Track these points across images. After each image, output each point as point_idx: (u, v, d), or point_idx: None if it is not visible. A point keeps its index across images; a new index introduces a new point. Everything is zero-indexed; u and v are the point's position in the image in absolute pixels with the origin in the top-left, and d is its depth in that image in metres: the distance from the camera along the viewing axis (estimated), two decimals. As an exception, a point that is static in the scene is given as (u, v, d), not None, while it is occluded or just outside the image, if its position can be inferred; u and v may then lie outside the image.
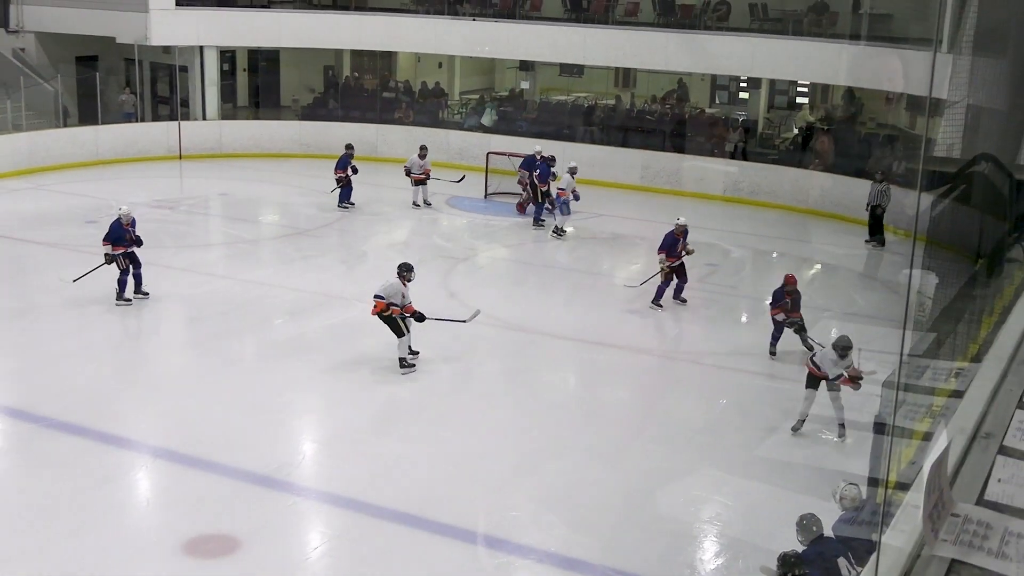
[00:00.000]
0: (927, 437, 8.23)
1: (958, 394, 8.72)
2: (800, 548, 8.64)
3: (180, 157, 29.40)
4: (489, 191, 25.52)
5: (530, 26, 29.15)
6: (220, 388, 13.95)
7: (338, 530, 10.53)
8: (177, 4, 29.10)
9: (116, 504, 10.93)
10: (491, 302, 17.90)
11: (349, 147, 24.03)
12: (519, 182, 24.23)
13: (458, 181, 18.21)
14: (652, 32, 27.58)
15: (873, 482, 9.43)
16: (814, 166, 25.85)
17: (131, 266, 16.71)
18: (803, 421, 12.93)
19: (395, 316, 14.28)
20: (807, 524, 8.78)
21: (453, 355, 15.39)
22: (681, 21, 28.10)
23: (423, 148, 24.08)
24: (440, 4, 30.62)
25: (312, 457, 12.17)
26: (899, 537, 4.42)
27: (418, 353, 14.66)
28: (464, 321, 15.41)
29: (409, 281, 14.53)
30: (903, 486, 7.34)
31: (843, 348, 12.34)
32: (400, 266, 14.63)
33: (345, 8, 31.76)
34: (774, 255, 22.43)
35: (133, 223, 16.78)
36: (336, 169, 23.42)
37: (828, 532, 8.84)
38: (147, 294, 16.95)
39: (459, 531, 10.49)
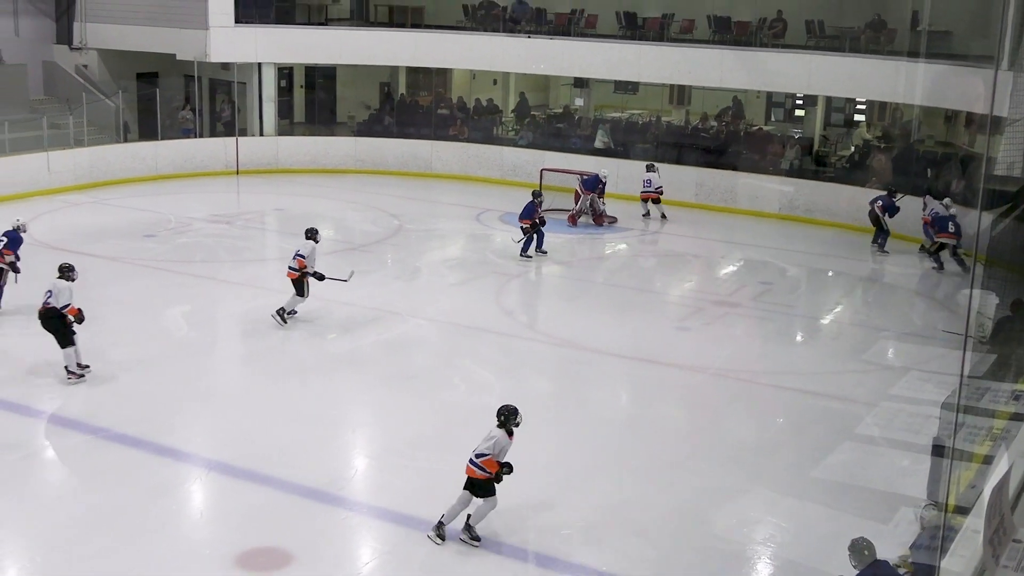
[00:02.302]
0: (987, 460, 8.12)
1: (1019, 417, 8.57)
2: (853, 572, 8.53)
3: (237, 172, 29.70)
4: (543, 208, 25.48)
5: (585, 43, 29.14)
6: (274, 401, 14.03)
7: (389, 545, 10.54)
8: (236, 22, 29.41)
9: (170, 515, 11.01)
10: (543, 318, 17.91)
11: (537, 195, 21.75)
12: (577, 200, 24.39)
13: (346, 280, 17.45)
14: (707, 49, 27.47)
15: (936, 507, 9.29)
16: (871, 184, 25.57)
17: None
18: None
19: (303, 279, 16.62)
20: (860, 548, 8.66)
21: (504, 370, 15.39)
22: (737, 38, 27.96)
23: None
24: (496, 21, 30.73)
25: (364, 471, 12.20)
26: (958, 562, 4.34)
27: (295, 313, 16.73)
28: (345, 280, 17.14)
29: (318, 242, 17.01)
30: (962, 510, 7.24)
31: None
32: (308, 230, 17.18)
33: (401, 26, 31.93)
34: (830, 273, 22.21)
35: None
36: (522, 218, 21.34)
37: (882, 556, 8.70)
38: None
39: (510, 548, 10.46)
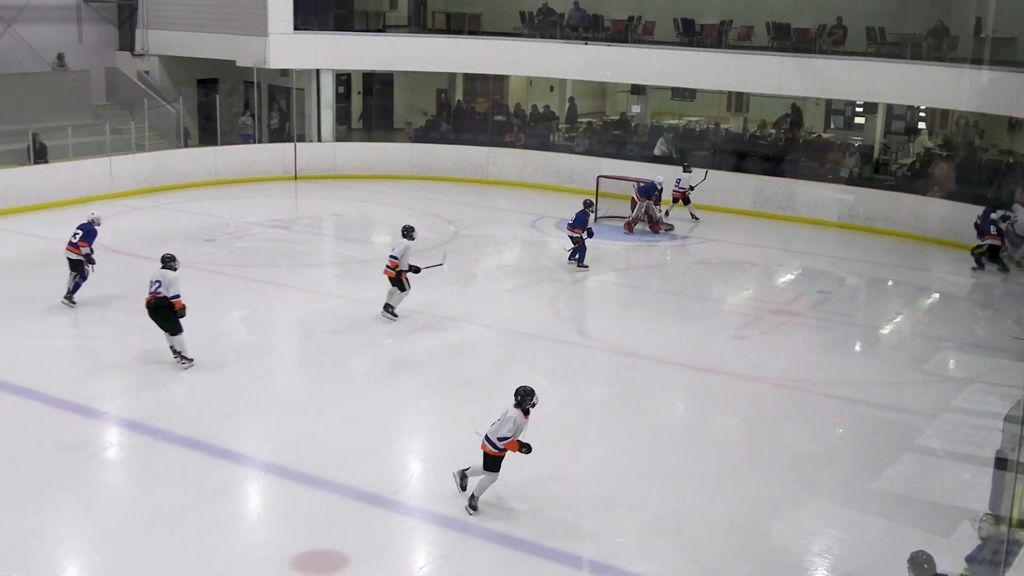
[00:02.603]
0: (1053, 473, 7.98)
1: (1086, 429, 8.38)
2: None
3: (295, 178, 29.95)
4: (599, 215, 25.47)
5: (642, 50, 29.05)
6: (330, 406, 14.10)
7: (444, 550, 10.54)
8: (295, 28, 29.67)
9: (228, 517, 11.10)
10: (599, 326, 17.84)
11: (589, 204, 21.50)
12: (633, 207, 24.40)
13: (442, 264, 17.77)
14: (766, 56, 27.29)
15: (994, 519, 9.13)
16: (932, 193, 25.26)
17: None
18: None
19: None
20: (920, 561, 8.50)
21: (560, 377, 15.36)
22: (796, 45, 27.74)
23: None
24: (553, 28, 30.73)
25: (419, 476, 12.21)
26: (1024, 576, 4.27)
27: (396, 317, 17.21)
28: (441, 264, 17.98)
29: (414, 240, 17.42)
30: (1028, 524, 7.11)
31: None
32: (404, 228, 17.66)
33: (458, 32, 32.04)
34: (889, 283, 21.95)
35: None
36: (573, 227, 21.01)
37: (942, 570, 8.56)
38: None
39: (564, 555, 10.42)
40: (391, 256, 17.28)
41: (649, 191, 24.34)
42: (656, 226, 24.52)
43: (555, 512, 11.30)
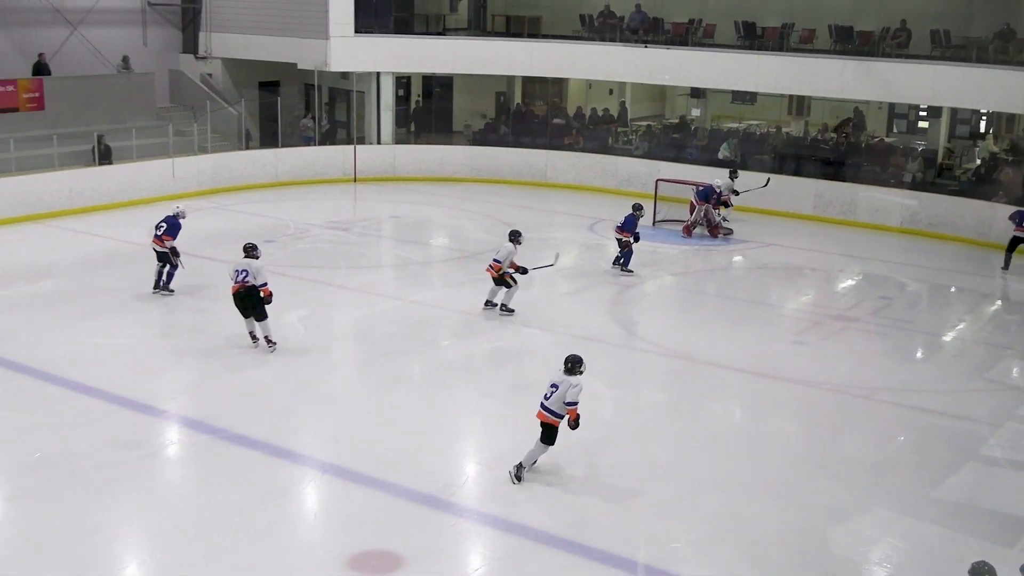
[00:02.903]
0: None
1: None
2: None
3: (355, 180, 30.13)
4: (657, 218, 25.39)
5: (703, 53, 28.90)
6: (387, 407, 14.16)
7: (499, 552, 10.55)
8: (356, 31, 29.85)
9: (285, 516, 11.18)
10: (657, 330, 17.77)
11: (638, 208, 21.02)
12: (691, 211, 24.31)
13: (552, 264, 18.20)
14: (828, 59, 27.03)
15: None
16: (998, 198, 24.88)
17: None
18: None
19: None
20: (982, 571, 8.36)
21: (617, 382, 15.30)
22: (859, 48, 27.45)
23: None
24: (613, 31, 30.67)
25: (475, 478, 12.22)
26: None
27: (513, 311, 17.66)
28: (552, 264, 18.46)
29: (520, 244, 17.82)
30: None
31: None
32: (511, 232, 18.05)
33: (518, 35, 32.05)
34: (952, 289, 21.63)
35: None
36: (623, 230, 20.69)
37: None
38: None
39: (619, 559, 10.38)
40: (494, 259, 17.68)
41: (708, 194, 24.21)
42: (715, 230, 24.38)
43: (610, 516, 11.26)
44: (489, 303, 18.10)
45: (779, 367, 15.97)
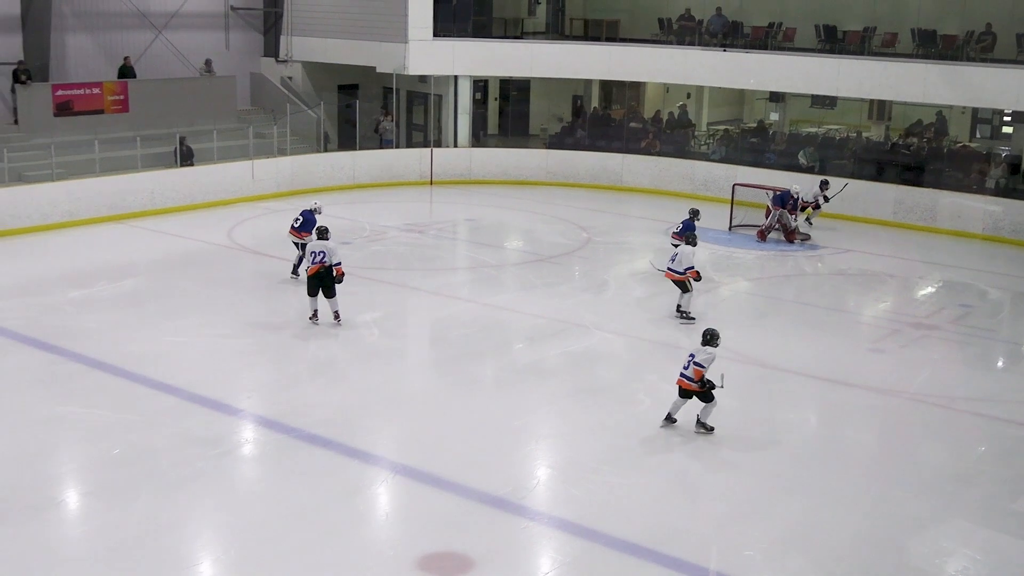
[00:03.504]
0: None
1: None
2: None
3: (431, 183, 30.30)
4: (734, 223, 25.20)
5: (782, 57, 28.62)
6: (460, 408, 14.22)
7: (569, 556, 10.52)
8: (435, 35, 30.02)
9: (358, 516, 11.27)
10: (732, 336, 17.59)
11: (695, 213, 20.53)
12: (767, 215, 24.13)
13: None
14: (910, 63, 26.59)
15: None
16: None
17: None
18: None
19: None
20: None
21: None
22: (942, 52, 26.99)
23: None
24: (692, 34, 30.50)
25: (546, 482, 12.22)
26: None
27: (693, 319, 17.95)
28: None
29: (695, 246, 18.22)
30: None
31: None
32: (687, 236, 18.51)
33: (596, 39, 32.00)
34: (1035, 298, 21.20)
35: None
36: (679, 235, 19.97)
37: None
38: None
39: (690, 566, 10.30)
40: (668, 268, 18.12)
41: (784, 200, 23.98)
42: (791, 235, 24.13)
43: (682, 522, 11.20)
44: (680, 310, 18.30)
45: (856, 374, 15.76)
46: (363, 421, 13.60)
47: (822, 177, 25.77)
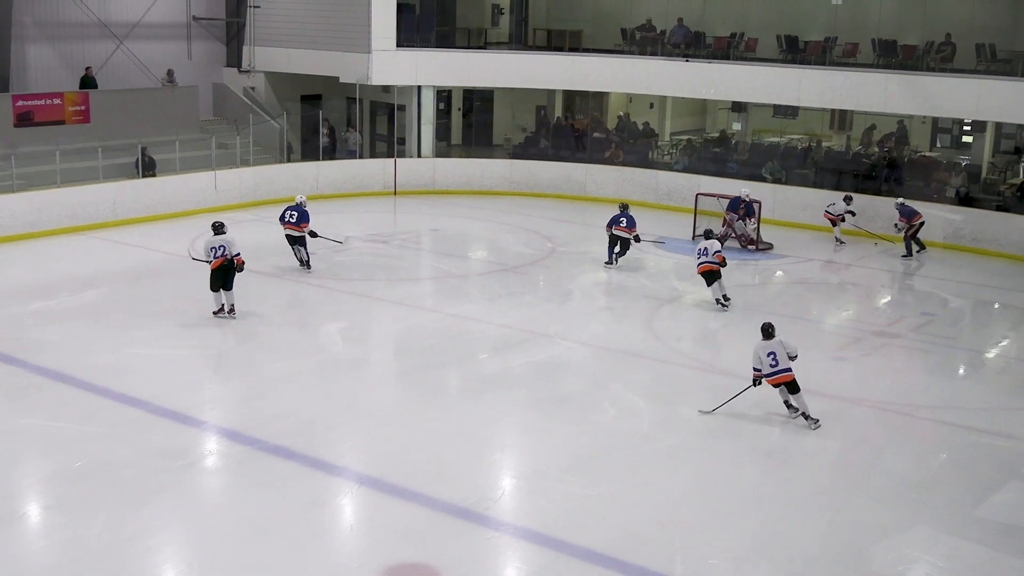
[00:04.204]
0: None
1: None
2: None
3: (395, 193, 30.26)
4: (697, 233, 25.30)
5: (744, 67, 28.81)
6: (424, 419, 14.18)
7: (535, 567, 10.51)
8: (398, 46, 30.00)
9: (322, 528, 11.20)
10: (696, 345, 17.70)
11: (625, 206, 22.87)
12: (724, 224, 24.30)
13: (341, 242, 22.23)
14: (871, 73, 26.85)
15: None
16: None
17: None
18: None
19: None
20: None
21: (655, 396, 15.24)
22: (902, 62, 27.27)
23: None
24: (654, 45, 30.63)
25: (511, 492, 12.21)
26: None
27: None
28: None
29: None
30: None
31: None
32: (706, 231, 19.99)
33: (559, 49, 32.09)
34: (996, 306, 21.37)
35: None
36: (629, 228, 22.20)
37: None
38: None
39: (656, 575, 10.32)
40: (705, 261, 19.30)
41: (735, 205, 24.18)
42: (747, 241, 24.29)
43: (647, 531, 11.21)
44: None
45: (820, 383, 15.82)
46: (327, 432, 13.53)
47: (845, 193, 25.88)
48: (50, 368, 15.37)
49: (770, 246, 24.52)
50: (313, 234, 21.07)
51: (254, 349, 16.99)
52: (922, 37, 27.63)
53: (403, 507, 11.60)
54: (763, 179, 28.23)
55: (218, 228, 18.00)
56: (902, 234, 24.32)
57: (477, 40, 33.48)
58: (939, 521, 11.77)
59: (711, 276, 19.40)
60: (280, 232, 21.22)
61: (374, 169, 30.55)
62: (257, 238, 23.16)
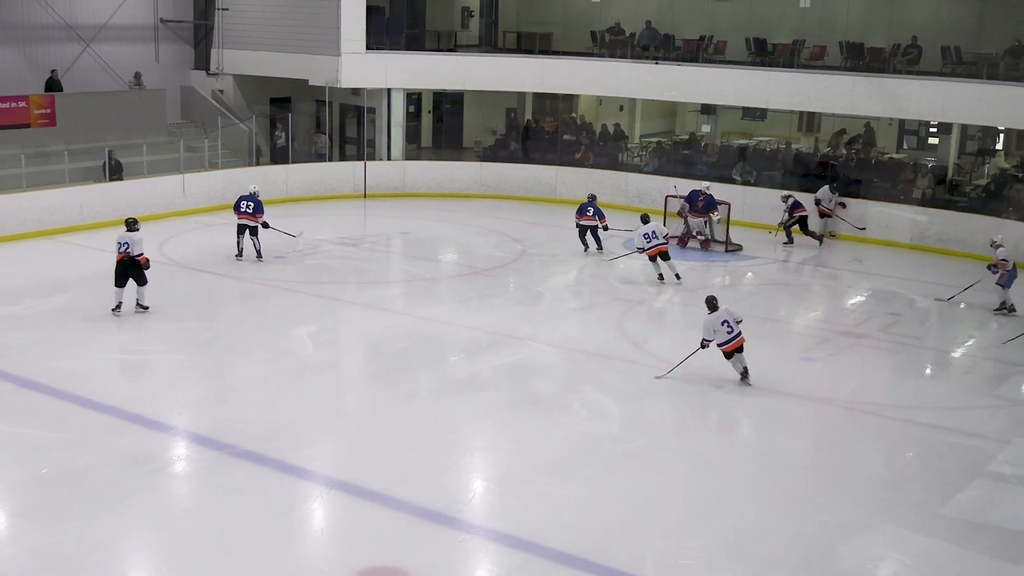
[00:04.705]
0: None
1: None
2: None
3: (365, 196, 30.19)
4: (667, 234, 25.36)
5: (713, 69, 28.93)
6: (395, 422, 14.16)
7: (507, 569, 10.52)
8: (367, 48, 29.93)
9: (291, 533, 11.17)
10: (665, 346, 17.73)
11: (592, 197, 24.33)
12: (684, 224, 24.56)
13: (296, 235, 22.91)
14: (839, 75, 27.02)
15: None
16: (1008, 215, 24.83)
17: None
18: None
19: None
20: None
21: (626, 397, 15.29)
22: (870, 65, 27.47)
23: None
24: (624, 47, 30.71)
25: (482, 495, 12.21)
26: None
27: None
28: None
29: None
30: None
31: None
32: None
33: (529, 52, 32.13)
34: (962, 306, 21.50)
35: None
36: (599, 217, 23.82)
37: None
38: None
39: (627, 577, 10.37)
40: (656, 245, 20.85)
41: (694, 197, 24.47)
42: (707, 242, 24.52)
43: (618, 532, 11.23)
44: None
45: (788, 383, 15.94)
46: (297, 436, 13.49)
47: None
48: (16, 374, 15.23)
49: (739, 247, 24.63)
50: (266, 225, 21.64)
51: (223, 353, 16.91)
52: (889, 40, 27.82)
53: (374, 511, 11.58)
54: (733, 181, 28.35)
55: (130, 225, 18.18)
56: (784, 222, 25.50)
57: (447, 43, 33.46)
58: (907, 519, 11.86)
59: (664, 256, 21.17)
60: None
61: (344, 172, 30.47)
62: (226, 241, 23.07)
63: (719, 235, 24.86)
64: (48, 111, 26.74)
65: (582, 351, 17.21)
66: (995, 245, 20.43)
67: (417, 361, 16.71)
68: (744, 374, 15.60)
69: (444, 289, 21.35)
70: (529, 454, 13.19)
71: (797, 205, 25.39)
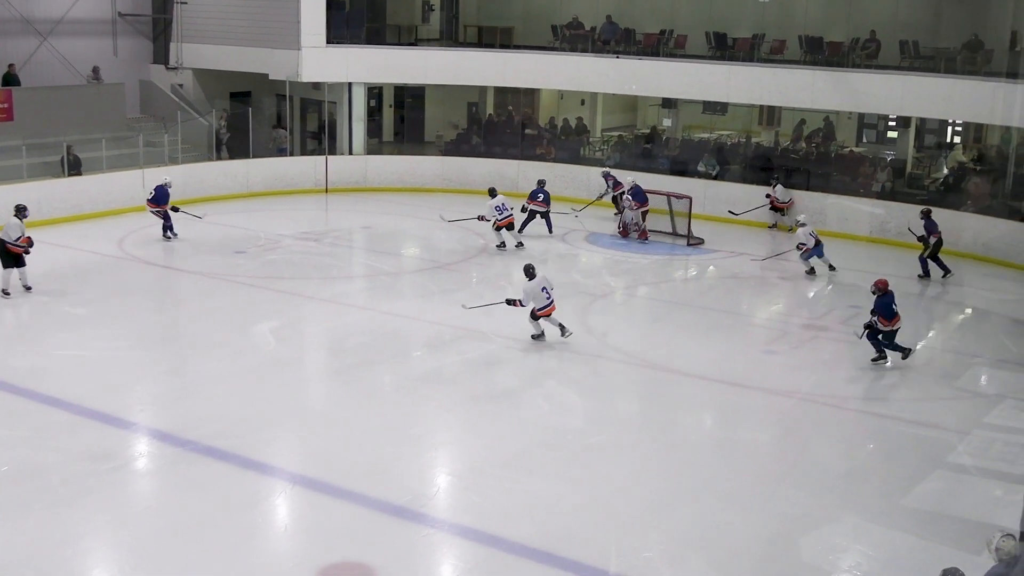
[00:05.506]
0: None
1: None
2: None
3: (326, 191, 30.07)
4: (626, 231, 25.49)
5: (674, 64, 29.03)
6: (358, 418, 14.13)
7: (471, 563, 10.53)
8: (328, 42, 29.80)
9: (255, 529, 11.12)
10: (628, 340, 17.80)
11: (542, 182, 25.60)
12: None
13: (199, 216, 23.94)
14: (798, 70, 27.21)
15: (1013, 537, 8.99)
16: (966, 208, 25.08)
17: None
18: None
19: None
20: (951, 578, 8.51)
21: (589, 390, 15.34)
22: (828, 59, 27.66)
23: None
24: (584, 42, 30.75)
25: (446, 489, 12.21)
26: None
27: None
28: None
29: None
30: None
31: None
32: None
33: (490, 46, 32.11)
34: (921, 298, 21.74)
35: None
36: (545, 203, 25.11)
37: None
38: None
39: (590, 570, 10.38)
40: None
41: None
42: (641, 233, 25.03)
43: (581, 525, 11.26)
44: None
45: (750, 376, 16.03)
46: (260, 432, 13.42)
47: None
48: (-26, 371, 15.09)
49: (701, 241, 24.74)
50: (175, 209, 23.19)
51: (184, 349, 16.80)
52: (848, 34, 28.02)
53: (338, 506, 11.56)
54: (696, 175, 28.46)
55: (18, 211, 18.89)
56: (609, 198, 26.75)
57: (408, 37, 33.40)
58: (868, 511, 11.95)
59: (509, 227, 23.34)
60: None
61: (305, 167, 30.34)
62: (186, 236, 22.93)
63: (681, 229, 24.98)
64: (5, 105, 26.41)
65: (545, 345, 17.23)
66: (798, 225, 22.40)
67: (380, 356, 16.67)
68: (562, 329, 16.91)
69: (406, 284, 21.32)
70: (493, 448, 13.20)
71: (619, 182, 26.43)
